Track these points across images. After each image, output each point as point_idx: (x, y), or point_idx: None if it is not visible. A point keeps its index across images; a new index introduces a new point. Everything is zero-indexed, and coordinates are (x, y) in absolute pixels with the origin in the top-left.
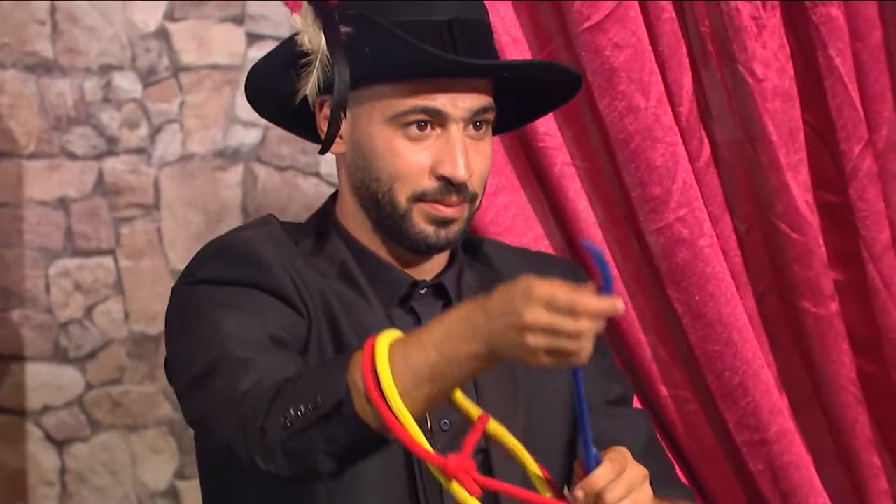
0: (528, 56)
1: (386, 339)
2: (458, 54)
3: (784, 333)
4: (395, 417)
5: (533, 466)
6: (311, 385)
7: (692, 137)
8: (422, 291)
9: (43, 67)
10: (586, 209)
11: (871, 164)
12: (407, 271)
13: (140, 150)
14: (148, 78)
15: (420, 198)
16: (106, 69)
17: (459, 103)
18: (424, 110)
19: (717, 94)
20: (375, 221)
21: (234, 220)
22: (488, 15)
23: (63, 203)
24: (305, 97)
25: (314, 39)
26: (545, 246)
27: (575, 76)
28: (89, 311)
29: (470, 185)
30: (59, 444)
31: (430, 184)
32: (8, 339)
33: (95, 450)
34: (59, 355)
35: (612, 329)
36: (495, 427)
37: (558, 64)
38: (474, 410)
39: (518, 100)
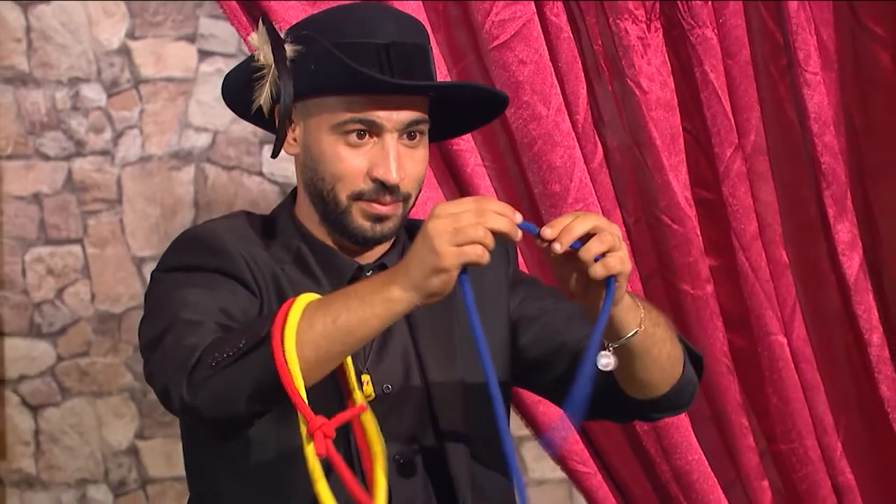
0: (444, 71)
1: (307, 297)
2: (393, 75)
3: (666, 311)
4: (285, 360)
5: (380, 467)
6: (240, 332)
7: (587, 142)
8: (367, 274)
9: (19, 79)
10: None
11: (740, 165)
12: (354, 258)
13: (105, 152)
14: (111, 89)
15: (358, 197)
16: (74, 81)
17: (394, 116)
18: (361, 121)
19: (609, 105)
20: (322, 215)
21: (187, 213)
22: (428, 39)
23: (37, 198)
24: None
25: (267, 56)
26: None
27: (500, 96)
28: (60, 292)
29: (402, 186)
30: (34, 409)
31: (366, 185)
32: None
33: (66, 414)
34: (34, 331)
35: None
36: (368, 419)
37: (480, 85)
38: (359, 395)
39: (454, 113)
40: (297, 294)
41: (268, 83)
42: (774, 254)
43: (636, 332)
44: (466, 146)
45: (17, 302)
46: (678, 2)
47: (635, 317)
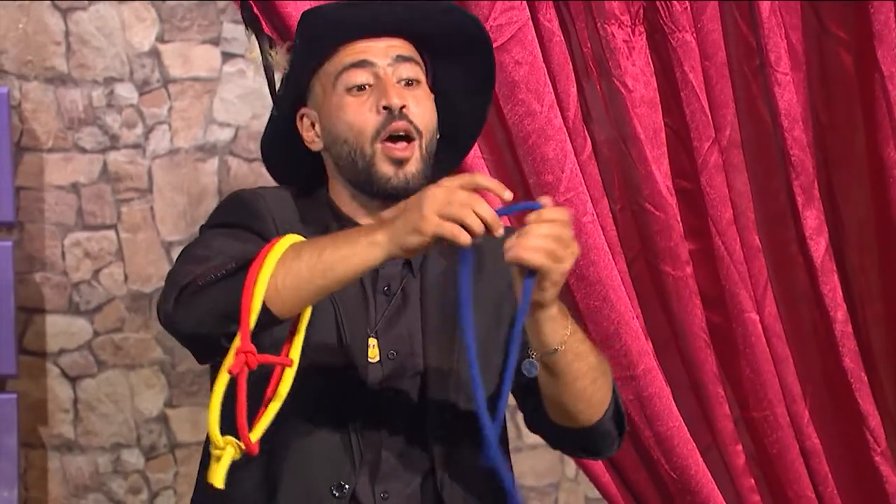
0: None
1: (289, 237)
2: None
3: (649, 291)
4: (255, 282)
5: (269, 416)
6: (231, 258)
7: (577, 136)
8: None
9: (59, 80)
10: (493, 196)
11: (717, 157)
12: None
13: (137, 146)
14: (143, 88)
15: (377, 136)
16: (109, 81)
17: (383, 53)
18: (354, 64)
19: (597, 102)
20: (354, 184)
21: (211, 201)
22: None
23: (75, 188)
24: (291, 127)
25: (282, 59)
26: None
27: (474, 23)
28: (96, 273)
29: (410, 115)
30: (73, 380)
31: (378, 119)
32: (31, 295)
33: (101, 384)
34: (73, 309)
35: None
36: (288, 375)
37: (452, 7)
38: (296, 353)
39: (452, 73)
40: None
41: (287, 85)
42: (748, 238)
43: (556, 350)
44: None
45: (57, 282)
46: (660, 8)
47: (560, 333)
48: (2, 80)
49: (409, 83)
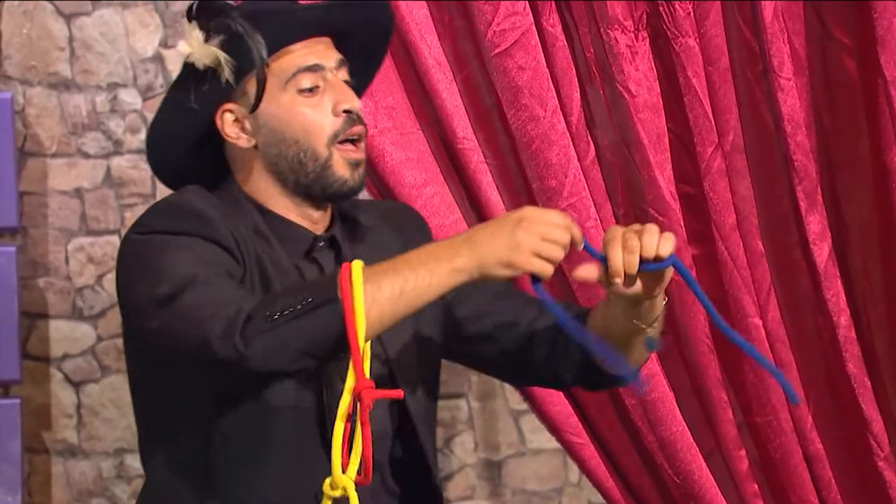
0: (450, 77)
1: (358, 263)
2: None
3: None
4: (354, 317)
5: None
6: (299, 291)
7: (580, 141)
8: (321, 244)
9: (63, 85)
10: (496, 198)
11: (720, 162)
12: (308, 229)
13: (140, 151)
14: (146, 93)
15: (334, 139)
16: (113, 86)
17: (326, 55)
18: (308, 68)
19: (600, 107)
20: (295, 184)
21: None
22: None
23: (79, 193)
24: (204, 124)
25: (207, 52)
26: (464, 228)
27: (388, 14)
28: (100, 279)
29: (361, 116)
30: (76, 385)
31: (337, 123)
32: (35, 300)
33: (105, 389)
34: (76, 314)
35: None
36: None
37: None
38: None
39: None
40: (272, 263)
41: (209, 80)
42: (751, 244)
43: (665, 302)
44: (470, 145)
45: (60, 287)
46: (663, 13)
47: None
48: (5, 85)
49: (347, 83)
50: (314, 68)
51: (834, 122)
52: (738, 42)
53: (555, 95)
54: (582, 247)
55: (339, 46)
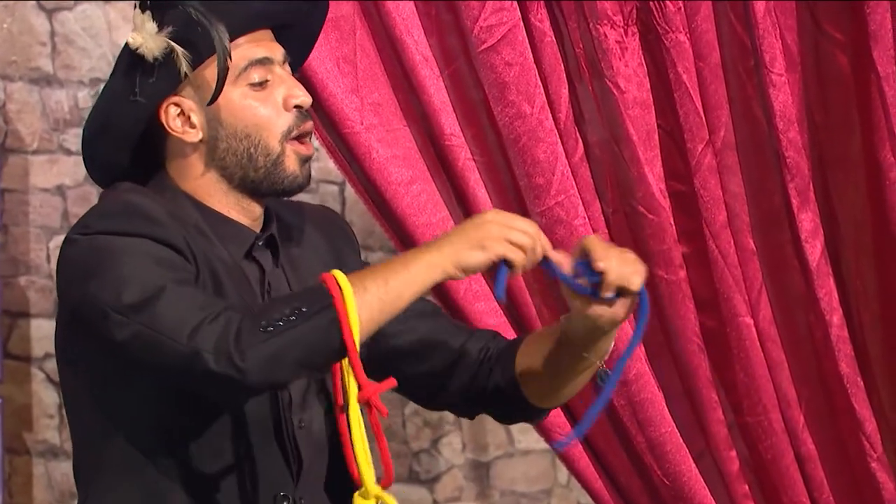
0: (436, 73)
1: (338, 272)
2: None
3: None
4: (349, 323)
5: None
6: (289, 301)
7: (569, 138)
8: (260, 243)
9: (44, 80)
10: (484, 195)
11: (711, 159)
12: (249, 227)
13: None
14: None
15: (287, 135)
16: (95, 81)
17: (273, 48)
18: (258, 61)
19: (589, 103)
20: (243, 180)
21: None
22: None
23: (60, 190)
24: (146, 117)
25: (157, 43)
26: (451, 226)
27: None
28: None
29: (310, 112)
30: (57, 385)
31: (289, 118)
32: (16, 299)
33: None
34: (57, 312)
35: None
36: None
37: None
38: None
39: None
40: (219, 262)
41: (158, 71)
42: (742, 241)
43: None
44: (457, 142)
45: (42, 285)
46: (653, 8)
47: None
48: None
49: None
50: (264, 62)
51: (826, 118)
52: (730, 37)
53: (542, 92)
54: (553, 256)
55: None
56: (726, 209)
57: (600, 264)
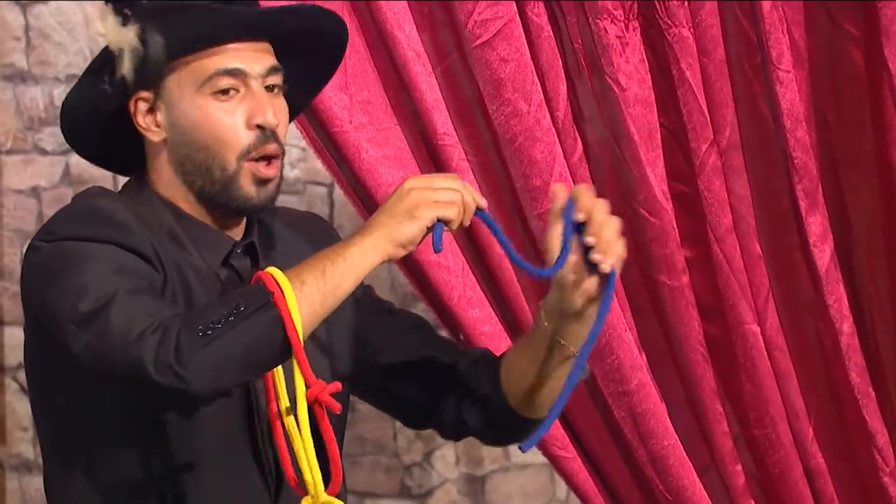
0: (429, 69)
1: (274, 269)
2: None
3: (643, 301)
4: (291, 319)
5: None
6: (226, 302)
7: (567, 137)
8: (238, 251)
9: (18, 77)
10: None
11: (715, 160)
12: (226, 234)
13: None
14: None
15: (245, 155)
16: (72, 78)
17: (254, 63)
18: (228, 72)
19: (588, 101)
20: (201, 190)
21: None
22: None
23: (35, 192)
24: (117, 107)
25: (121, 37)
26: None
27: (338, 23)
28: None
29: (278, 132)
30: None
31: (249, 137)
32: None
33: None
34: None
35: (500, 297)
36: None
37: (321, 8)
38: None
39: (298, 72)
40: (191, 269)
41: (124, 66)
42: (748, 245)
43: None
44: (451, 141)
45: (15, 292)
46: (655, 2)
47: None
48: None
49: (272, 89)
50: (235, 72)
51: (839, 116)
52: (735, 32)
53: (540, 89)
54: (485, 205)
55: (281, 53)
56: (731, 212)
57: (590, 239)
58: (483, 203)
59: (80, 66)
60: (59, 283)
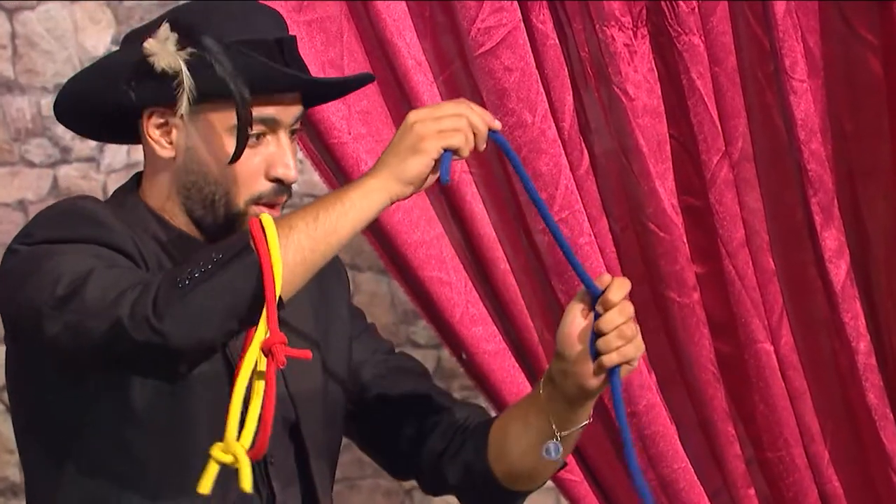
0: (430, 78)
1: (265, 215)
2: (289, 69)
3: (653, 319)
4: (271, 265)
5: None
6: (206, 253)
7: (573, 149)
8: None
9: (4, 86)
10: (481, 211)
11: (727, 172)
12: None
13: (90, 159)
14: None
15: (255, 201)
16: (60, 87)
17: (289, 112)
18: (263, 121)
19: (595, 111)
20: (200, 218)
21: None
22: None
23: (22, 205)
24: (130, 109)
25: (171, 61)
26: (446, 243)
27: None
28: None
29: (291, 187)
30: None
31: (265, 186)
32: None
33: None
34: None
35: (504, 315)
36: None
37: (369, 76)
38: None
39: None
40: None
41: (156, 85)
42: (761, 261)
43: (586, 423)
44: None
45: None
46: (665, 9)
47: (584, 416)
48: None
49: (293, 133)
50: (268, 122)
51: (856, 126)
52: (748, 40)
53: (545, 99)
54: (499, 126)
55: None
56: (744, 226)
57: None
58: (497, 125)
59: (68, 75)
60: (34, 278)
